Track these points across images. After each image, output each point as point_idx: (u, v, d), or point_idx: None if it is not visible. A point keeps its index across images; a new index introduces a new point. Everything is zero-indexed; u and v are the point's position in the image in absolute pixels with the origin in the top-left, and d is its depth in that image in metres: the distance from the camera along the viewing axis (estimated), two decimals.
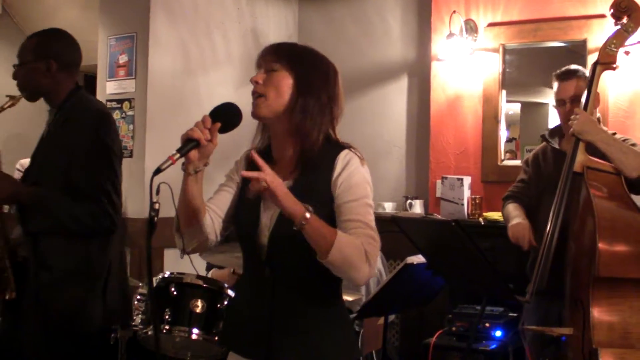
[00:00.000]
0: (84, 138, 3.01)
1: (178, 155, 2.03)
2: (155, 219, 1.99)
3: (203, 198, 2.20)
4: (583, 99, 3.37)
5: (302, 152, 2.19)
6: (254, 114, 2.20)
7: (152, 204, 1.97)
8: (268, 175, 1.98)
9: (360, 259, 2.06)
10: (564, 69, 3.65)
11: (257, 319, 2.20)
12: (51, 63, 3.12)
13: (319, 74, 2.22)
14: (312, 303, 2.19)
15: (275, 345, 2.17)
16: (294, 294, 2.18)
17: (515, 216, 3.62)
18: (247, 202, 2.18)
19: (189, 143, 2.06)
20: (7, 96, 3.16)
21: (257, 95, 2.18)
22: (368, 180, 2.19)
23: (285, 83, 2.17)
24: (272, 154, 2.27)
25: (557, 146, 3.63)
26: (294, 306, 2.18)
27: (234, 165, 2.40)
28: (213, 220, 2.27)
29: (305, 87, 2.17)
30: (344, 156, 2.17)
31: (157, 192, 1.98)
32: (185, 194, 2.15)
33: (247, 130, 2.27)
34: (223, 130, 2.11)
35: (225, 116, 2.13)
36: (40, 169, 3.08)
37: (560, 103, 3.59)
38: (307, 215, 2.00)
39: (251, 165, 2.28)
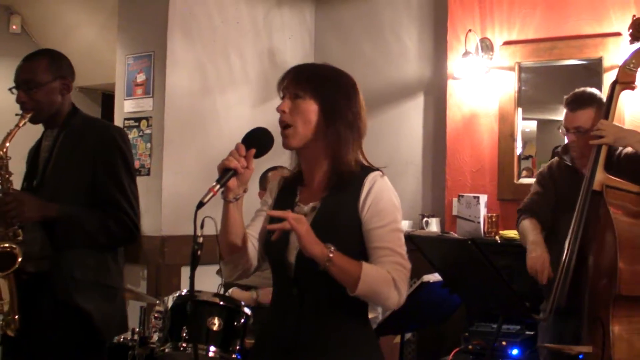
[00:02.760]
0: (111, 154, 3.06)
1: (218, 186, 2.07)
2: (199, 252, 2.04)
3: (244, 223, 2.23)
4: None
5: (334, 174, 2.19)
6: (285, 145, 2.20)
7: (195, 237, 2.03)
8: (292, 219, 2.03)
9: (388, 288, 2.08)
10: (577, 92, 3.54)
11: (283, 336, 2.20)
12: (68, 81, 3.13)
13: (342, 93, 2.21)
14: (338, 321, 2.19)
15: None
16: (321, 312, 2.18)
17: (532, 241, 3.51)
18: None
19: (226, 173, 2.09)
20: (17, 115, 3.06)
21: (284, 126, 2.18)
22: (396, 204, 2.19)
23: (312, 110, 2.17)
24: (303, 176, 2.28)
25: (570, 163, 3.60)
26: (320, 324, 2.17)
27: (267, 191, 2.42)
28: (254, 246, 2.29)
29: (332, 111, 2.17)
30: (371, 178, 2.17)
31: (202, 227, 2.03)
32: (227, 221, 2.17)
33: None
34: (257, 155, 2.14)
35: (259, 141, 2.15)
36: (57, 186, 3.05)
37: (565, 129, 3.52)
38: (330, 255, 2.02)
39: (283, 189, 2.31)
